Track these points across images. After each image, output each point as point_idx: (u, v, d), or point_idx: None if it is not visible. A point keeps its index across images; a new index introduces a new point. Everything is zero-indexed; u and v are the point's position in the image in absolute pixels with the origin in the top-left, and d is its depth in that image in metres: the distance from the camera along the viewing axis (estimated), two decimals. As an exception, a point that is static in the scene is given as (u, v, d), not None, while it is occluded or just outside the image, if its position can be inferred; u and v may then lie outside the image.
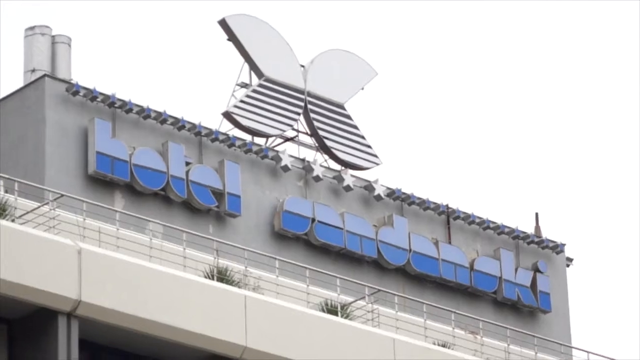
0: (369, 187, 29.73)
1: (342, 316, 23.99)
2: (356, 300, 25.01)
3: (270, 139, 29.74)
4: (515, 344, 27.24)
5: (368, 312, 24.89)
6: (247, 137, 29.05)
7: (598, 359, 28.59)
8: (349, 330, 23.46)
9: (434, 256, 30.06)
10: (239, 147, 28.17)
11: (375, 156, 31.31)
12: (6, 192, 22.89)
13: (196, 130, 27.71)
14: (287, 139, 30.30)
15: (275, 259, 25.60)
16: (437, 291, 29.91)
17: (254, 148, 28.47)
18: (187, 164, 26.98)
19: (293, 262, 26.41)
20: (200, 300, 21.61)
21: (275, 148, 29.45)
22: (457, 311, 27.57)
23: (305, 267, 25.75)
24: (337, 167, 29.93)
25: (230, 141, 28.02)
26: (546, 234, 32.21)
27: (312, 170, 28.82)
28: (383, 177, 30.38)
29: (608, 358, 28.25)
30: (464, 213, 31.00)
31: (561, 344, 29.68)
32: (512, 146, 73.42)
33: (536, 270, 31.30)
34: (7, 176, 23.47)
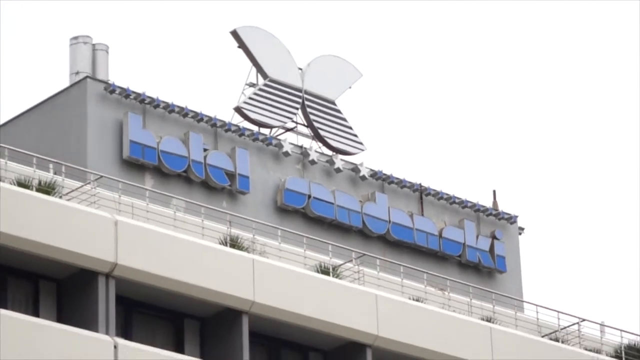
0: (355, 169, 29.44)
1: (333, 276, 24.04)
2: (345, 263, 25.14)
3: (274, 130, 29.45)
4: (477, 298, 27.22)
5: (355, 272, 24.96)
6: (255, 128, 28.72)
7: (544, 310, 28.38)
8: (339, 287, 23.59)
9: (409, 226, 29.83)
10: (248, 136, 28.02)
11: (361, 143, 30.96)
12: (55, 174, 22.96)
13: (212, 122, 27.58)
14: (287, 130, 29.88)
15: (278, 228, 25.90)
16: (412, 255, 29.69)
17: (260, 137, 28.25)
18: (205, 150, 26.93)
19: (293, 231, 26.62)
20: (216, 263, 21.81)
21: (278, 137, 29.11)
22: (429, 272, 27.61)
23: (303, 236, 25.97)
24: (329, 152, 29.47)
25: (240, 131, 27.89)
26: (502, 207, 31.81)
27: (308, 155, 28.59)
28: (367, 161, 29.71)
29: (553, 309, 28.02)
30: (434, 190, 30.59)
31: (514, 299, 29.68)
32: (475, 133, 73.53)
33: (494, 237, 31.02)
34: (55, 160, 23.52)
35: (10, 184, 20.44)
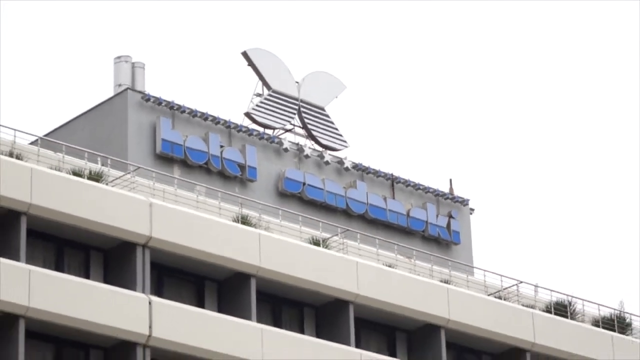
0: (340, 162, 28.68)
1: (323, 247, 23.60)
2: (332, 237, 24.68)
3: (276, 131, 29.20)
4: (437, 265, 26.38)
5: (340, 244, 24.65)
6: (261, 129, 27.89)
7: (490, 274, 27.93)
8: (327, 256, 23.27)
9: (383, 207, 29.10)
10: (255, 135, 27.14)
11: (345, 141, 30.05)
12: (102, 165, 22.56)
13: (227, 125, 26.61)
14: (287, 130, 29.08)
15: (279, 209, 25.54)
16: (385, 230, 29.19)
17: (265, 136, 27.24)
18: (221, 146, 25.97)
19: (291, 211, 26.30)
20: (230, 236, 21.67)
21: (279, 136, 28.72)
22: (399, 243, 27.20)
23: (299, 215, 25.64)
24: (320, 149, 29.16)
25: (249, 132, 26.89)
26: (457, 192, 31.39)
27: (303, 151, 27.81)
28: (350, 155, 29.04)
29: (497, 273, 27.38)
30: (403, 179, 29.72)
31: (466, 265, 29.52)
32: (437, 132, 73.48)
33: (450, 216, 30.35)
34: (102, 154, 23.26)
35: (67, 173, 20.52)
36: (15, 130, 22.26)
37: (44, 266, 19.20)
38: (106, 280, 20.06)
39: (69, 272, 19.42)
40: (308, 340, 22.98)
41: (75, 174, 20.72)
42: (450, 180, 32.55)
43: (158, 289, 21.00)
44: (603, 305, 30.02)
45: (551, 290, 29.04)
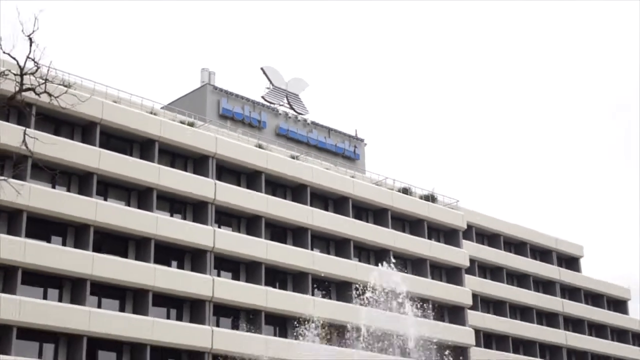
0: (304, 120, 45.49)
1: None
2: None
3: (277, 106, 45.12)
4: (343, 167, 43.57)
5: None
6: (267, 104, 44.58)
7: (374, 175, 45.10)
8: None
9: (321, 139, 47.23)
10: (265, 107, 44.14)
11: (306, 109, 46.93)
12: (194, 119, 38.10)
13: (252, 102, 43.28)
14: (281, 105, 45.60)
15: (276, 141, 43.13)
16: (315, 150, 46.41)
17: (270, 106, 44.54)
18: (249, 112, 43.00)
19: (283, 147, 43.21)
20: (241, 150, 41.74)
21: (276, 106, 45.09)
22: (322, 161, 45.45)
23: (280, 145, 43.54)
24: (294, 113, 45.73)
25: (264, 105, 43.97)
26: (359, 134, 48.20)
27: (287, 114, 45.13)
28: (313, 118, 46.61)
29: (390, 178, 45.43)
30: (334, 129, 46.55)
31: (364, 171, 46.40)
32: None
33: (355, 146, 47.47)
34: (195, 114, 39.20)
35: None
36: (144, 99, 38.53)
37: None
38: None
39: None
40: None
41: (189, 124, 37.22)
42: (356, 130, 49.42)
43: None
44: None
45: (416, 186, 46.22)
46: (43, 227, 31.55)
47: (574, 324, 59.32)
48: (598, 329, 61.78)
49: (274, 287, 38.20)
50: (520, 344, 53.60)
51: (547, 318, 57.11)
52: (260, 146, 40.13)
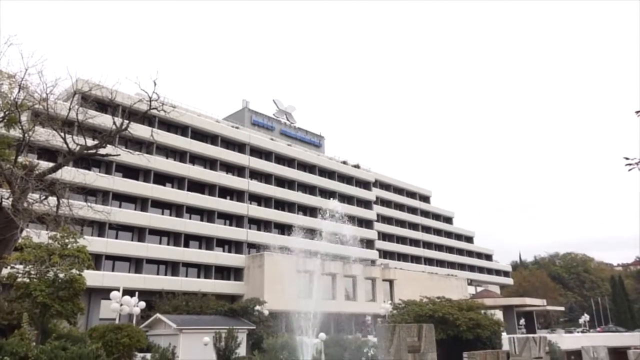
0: (296, 126, 77.78)
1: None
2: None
3: (277, 118, 76.29)
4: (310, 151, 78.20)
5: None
6: (275, 118, 76.61)
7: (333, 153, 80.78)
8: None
9: (299, 135, 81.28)
10: (274, 119, 75.36)
11: (295, 121, 78.58)
12: (236, 126, 70.98)
13: (268, 117, 75.35)
14: (282, 118, 76.82)
15: (274, 140, 74.48)
16: (291, 140, 79.86)
17: (277, 119, 76.09)
18: (266, 124, 76.07)
19: (283, 141, 75.81)
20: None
21: (279, 120, 76.99)
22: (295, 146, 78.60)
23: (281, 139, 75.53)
24: (290, 123, 77.23)
25: (273, 119, 76.42)
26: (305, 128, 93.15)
27: (286, 124, 76.79)
28: (303, 126, 79.67)
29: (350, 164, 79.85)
30: (304, 129, 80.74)
31: (331, 157, 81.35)
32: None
33: (320, 136, 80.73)
34: (237, 123, 72.54)
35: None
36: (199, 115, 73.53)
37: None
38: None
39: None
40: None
41: (233, 126, 70.02)
42: (320, 131, 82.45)
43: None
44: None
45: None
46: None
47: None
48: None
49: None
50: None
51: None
52: (271, 139, 72.71)
